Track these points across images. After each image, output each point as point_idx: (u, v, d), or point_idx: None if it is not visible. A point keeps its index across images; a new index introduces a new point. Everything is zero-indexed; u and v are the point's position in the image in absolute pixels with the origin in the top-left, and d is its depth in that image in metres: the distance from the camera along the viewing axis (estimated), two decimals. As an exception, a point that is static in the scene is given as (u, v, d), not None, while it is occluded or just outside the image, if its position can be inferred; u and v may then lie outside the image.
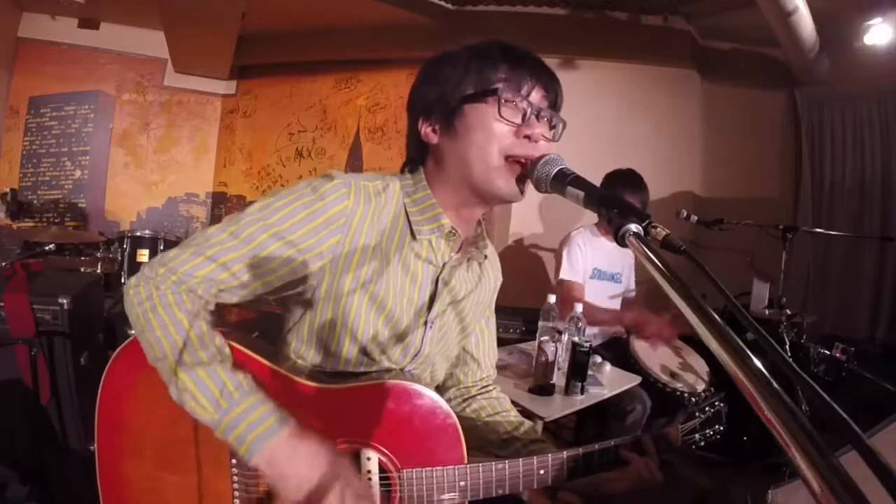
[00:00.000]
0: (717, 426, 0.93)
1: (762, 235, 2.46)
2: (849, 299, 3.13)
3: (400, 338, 0.87)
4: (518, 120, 0.79)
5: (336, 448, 0.74)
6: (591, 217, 2.24)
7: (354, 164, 3.88)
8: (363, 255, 0.81)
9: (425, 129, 0.84)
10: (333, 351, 0.84)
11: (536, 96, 0.81)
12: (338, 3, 3.41)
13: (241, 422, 0.69)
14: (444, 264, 0.88)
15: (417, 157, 0.88)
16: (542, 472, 0.83)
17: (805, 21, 2.57)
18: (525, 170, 0.79)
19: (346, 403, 0.80)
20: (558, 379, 1.66)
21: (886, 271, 3.05)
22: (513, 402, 1.40)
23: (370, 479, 0.78)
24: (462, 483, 0.80)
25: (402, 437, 0.79)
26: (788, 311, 2.27)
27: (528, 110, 0.79)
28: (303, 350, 0.86)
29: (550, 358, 1.63)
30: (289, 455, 0.69)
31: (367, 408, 0.79)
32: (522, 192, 0.82)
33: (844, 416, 0.35)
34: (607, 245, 2.21)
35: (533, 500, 1.80)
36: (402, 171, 0.90)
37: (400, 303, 0.85)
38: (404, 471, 0.79)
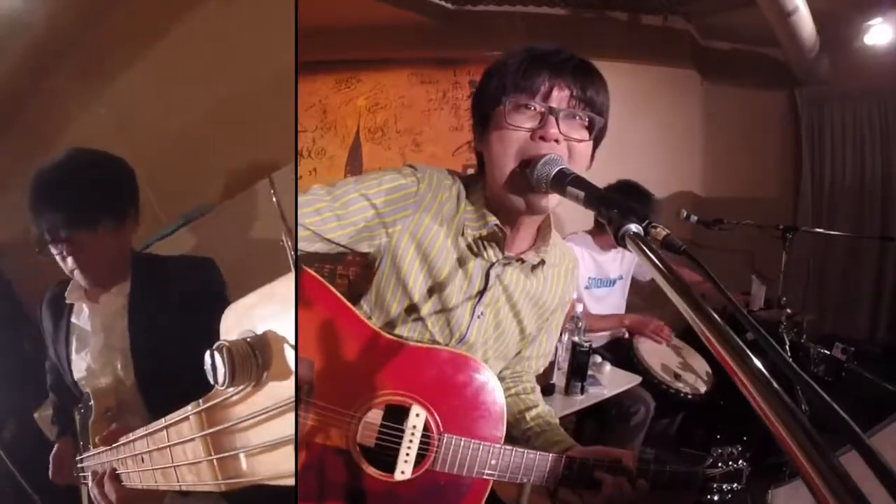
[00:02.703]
0: (735, 484, 0.93)
1: (762, 235, 2.46)
2: (849, 299, 3.12)
3: (448, 319, 0.92)
4: (534, 124, 0.81)
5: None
6: (584, 221, 2.25)
7: (354, 163, 3.87)
8: (427, 232, 0.90)
9: (473, 138, 0.94)
10: (392, 317, 0.92)
11: (558, 96, 0.82)
12: (338, 3, 3.40)
13: None
14: (495, 261, 0.92)
15: (479, 164, 0.95)
16: (566, 471, 0.87)
17: (805, 21, 2.57)
18: None
19: (410, 359, 0.87)
20: (558, 379, 1.67)
21: (886, 271, 3.05)
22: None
23: (413, 434, 0.84)
24: (493, 461, 0.85)
25: (452, 404, 0.86)
26: (788, 311, 2.27)
27: (545, 112, 0.81)
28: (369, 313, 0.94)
29: (550, 358, 1.63)
30: None
31: (428, 368, 0.87)
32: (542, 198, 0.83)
33: (844, 416, 0.35)
34: (605, 253, 2.19)
35: (533, 500, 1.80)
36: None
37: (452, 284, 0.91)
38: (445, 435, 0.85)
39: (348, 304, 0.89)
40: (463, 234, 0.90)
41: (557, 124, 0.81)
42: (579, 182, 0.73)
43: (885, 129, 3.05)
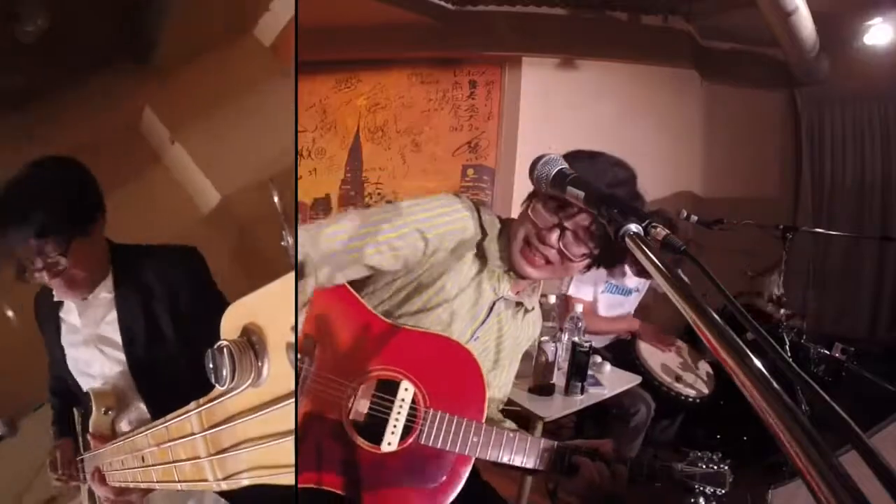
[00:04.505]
0: (718, 489, 0.93)
1: (762, 235, 2.46)
2: (849, 299, 3.12)
3: (451, 334, 0.99)
4: (544, 224, 0.92)
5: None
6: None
7: (354, 164, 3.87)
8: (456, 259, 0.97)
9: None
10: (399, 319, 0.98)
11: (574, 221, 0.91)
12: (338, 3, 3.40)
13: None
14: (501, 297, 1.02)
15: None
16: (545, 453, 0.93)
17: (805, 21, 2.57)
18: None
19: (403, 340, 0.93)
20: (558, 379, 1.66)
21: (886, 271, 3.05)
22: (512, 402, 1.41)
23: (402, 406, 0.90)
24: (475, 438, 0.91)
25: (439, 383, 0.92)
26: (788, 312, 2.27)
27: (556, 224, 0.91)
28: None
29: (550, 358, 1.63)
30: None
31: (420, 349, 0.93)
32: (530, 274, 0.96)
33: (844, 416, 0.35)
34: (623, 265, 2.15)
35: (533, 500, 1.80)
36: None
37: (462, 307, 0.99)
38: (431, 410, 0.90)
39: (353, 291, 0.94)
40: (489, 268, 1.00)
41: (560, 238, 0.91)
42: (579, 182, 0.73)
43: (885, 129, 3.05)
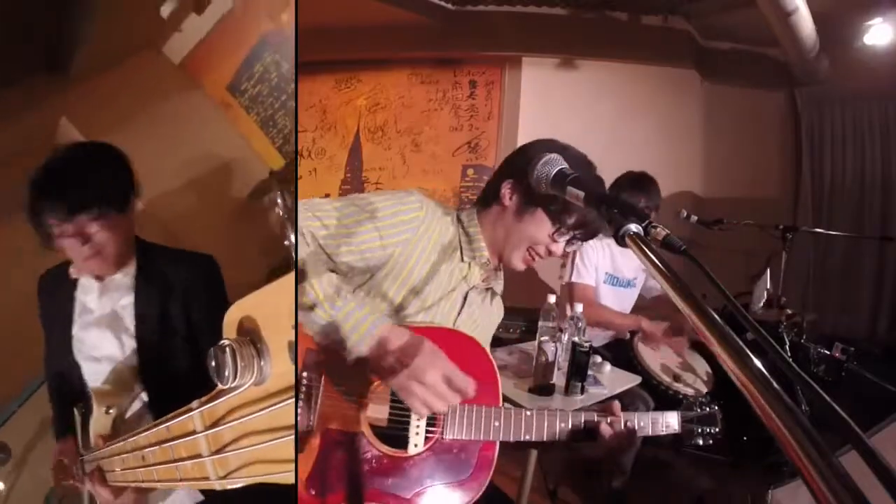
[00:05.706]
0: (712, 428, 1.03)
1: (762, 235, 2.46)
2: (849, 299, 3.12)
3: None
4: (554, 229, 0.97)
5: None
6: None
7: (354, 164, 3.87)
8: (421, 256, 0.98)
9: (505, 190, 1.01)
10: None
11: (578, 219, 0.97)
12: (338, 3, 3.40)
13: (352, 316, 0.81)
14: (473, 286, 1.06)
15: (486, 199, 1.06)
16: (562, 424, 0.95)
17: (805, 21, 2.57)
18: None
19: None
20: (558, 379, 1.66)
21: (886, 271, 3.05)
22: (513, 403, 1.40)
23: None
24: (497, 423, 0.91)
25: None
26: (788, 311, 2.27)
27: (564, 230, 0.97)
28: None
29: (550, 358, 1.63)
30: (394, 337, 0.82)
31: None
32: (520, 269, 1.04)
33: (844, 416, 0.35)
34: (623, 250, 2.15)
35: (533, 499, 1.80)
36: (472, 205, 1.09)
37: (439, 303, 1.01)
38: None
39: None
40: (462, 260, 1.03)
41: (569, 243, 1.00)
42: (579, 182, 0.73)
43: (885, 129, 3.05)
